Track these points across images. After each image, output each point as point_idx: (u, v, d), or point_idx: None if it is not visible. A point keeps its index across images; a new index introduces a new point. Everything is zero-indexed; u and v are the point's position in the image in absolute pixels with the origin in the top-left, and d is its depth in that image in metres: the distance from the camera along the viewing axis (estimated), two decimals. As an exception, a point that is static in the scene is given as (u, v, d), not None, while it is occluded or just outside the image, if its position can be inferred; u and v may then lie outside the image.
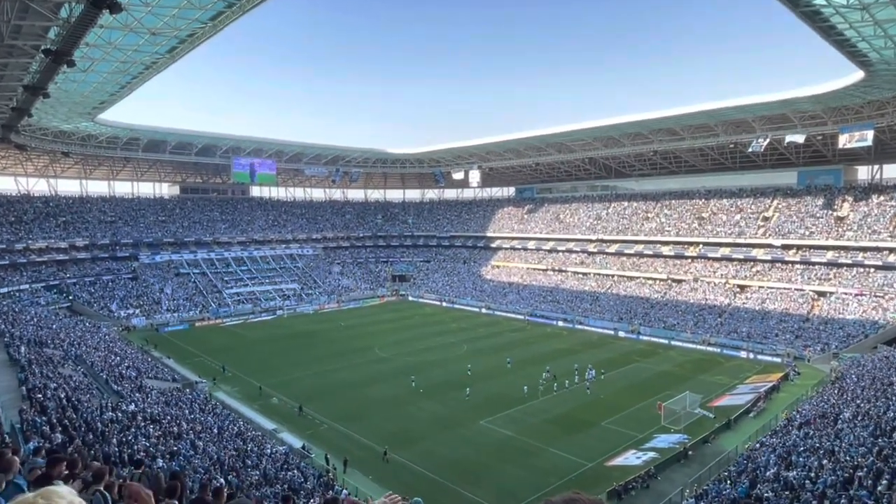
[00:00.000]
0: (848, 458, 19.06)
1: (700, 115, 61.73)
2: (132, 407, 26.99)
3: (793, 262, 60.52)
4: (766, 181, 71.90)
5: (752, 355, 49.71)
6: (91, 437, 19.89)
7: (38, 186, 78.52)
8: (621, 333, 59.66)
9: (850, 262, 56.51)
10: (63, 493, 1.55)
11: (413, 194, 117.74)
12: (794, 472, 19.56)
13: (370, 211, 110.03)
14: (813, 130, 57.71)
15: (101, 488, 6.04)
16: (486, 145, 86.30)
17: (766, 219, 66.06)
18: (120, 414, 24.98)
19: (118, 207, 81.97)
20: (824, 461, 19.69)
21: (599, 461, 28.35)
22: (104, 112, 55.96)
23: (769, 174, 71.37)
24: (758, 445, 26.88)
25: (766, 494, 18.02)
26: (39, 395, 24.06)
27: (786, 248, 61.50)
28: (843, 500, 14.94)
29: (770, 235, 63.32)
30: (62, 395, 25.31)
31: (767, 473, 20.69)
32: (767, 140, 59.83)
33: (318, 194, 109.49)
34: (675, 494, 23.90)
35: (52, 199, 77.70)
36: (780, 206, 66.60)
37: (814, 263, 59.02)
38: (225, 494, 7.08)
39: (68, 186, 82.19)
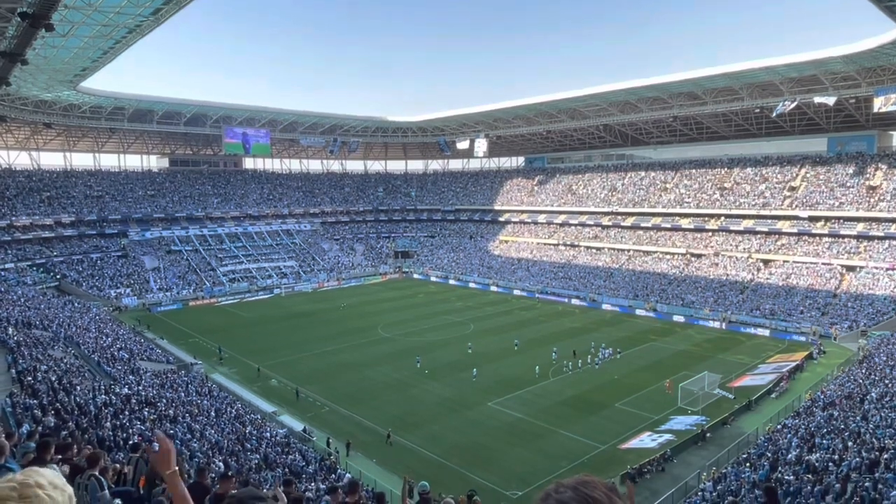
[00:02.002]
0: (874, 440, 19.22)
1: (724, 78, 60.67)
2: (126, 390, 27.45)
3: (820, 235, 60.13)
4: (793, 148, 71.02)
5: (775, 334, 49.82)
6: (84, 420, 20.29)
7: (20, 160, 78.79)
8: (637, 311, 59.85)
9: (881, 234, 56.09)
10: (44, 472, 1.56)
11: (416, 165, 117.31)
12: (817, 455, 19.76)
13: (370, 183, 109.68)
14: (845, 93, 56.69)
15: (97, 473, 6.18)
16: (493, 112, 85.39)
17: (792, 188, 65.45)
18: (113, 397, 25.43)
19: (104, 181, 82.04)
20: (849, 443, 19.88)
21: (613, 444, 28.73)
22: (87, 80, 55.63)
23: (797, 141, 70.44)
24: (779, 427, 27.14)
25: (787, 478, 18.24)
26: (30, 378, 24.50)
27: (813, 219, 61.05)
28: (867, 483, 15.10)
29: (797, 206, 62.80)
30: (53, 378, 25.76)
31: (789, 456, 20.91)
32: (795, 102, 58.80)
33: (315, 166, 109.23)
34: (692, 478, 24.23)
35: (35, 174, 77.83)
36: (807, 175, 65.90)
37: (843, 236, 58.62)
38: (234, 481, 7.23)
39: (51, 159, 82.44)
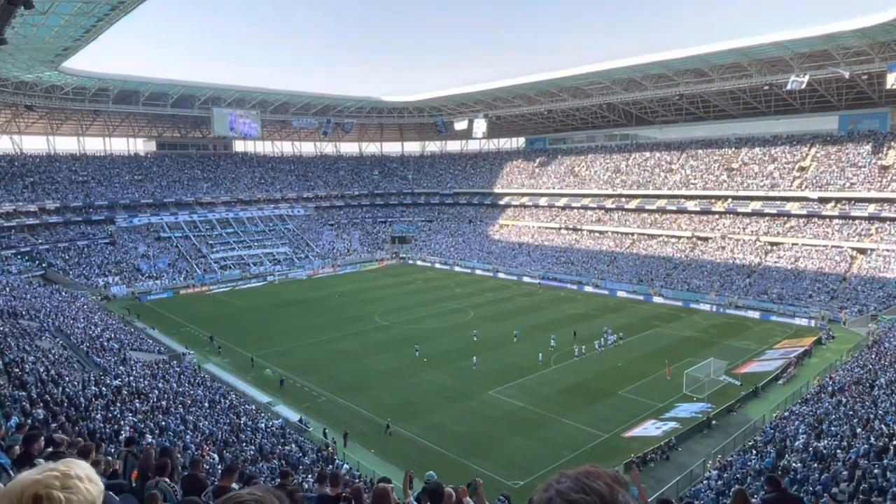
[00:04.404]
0: (883, 426, 19.38)
1: (731, 54, 60.25)
2: (116, 381, 27.56)
3: (830, 217, 60.16)
4: (803, 127, 70.74)
5: (782, 318, 50.02)
6: (74, 412, 20.38)
7: (1, 144, 78.16)
8: (641, 296, 60.01)
9: (894, 215, 56.12)
10: (83, 465, 1.64)
11: (412, 147, 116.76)
12: (825, 442, 19.94)
13: (366, 166, 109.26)
14: (858, 69, 56.35)
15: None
16: (493, 91, 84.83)
17: (802, 169, 65.32)
18: (104, 388, 25.53)
19: (90, 166, 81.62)
20: (858, 430, 20.04)
21: (616, 432, 28.95)
22: (69, 60, 55.03)
23: (807, 119, 70.16)
24: (787, 414, 27.36)
25: (794, 465, 18.43)
26: (17, 370, 24.54)
27: (823, 201, 61.01)
28: (876, 470, 15.27)
29: (806, 187, 62.74)
30: (41, 370, 25.83)
31: (796, 443, 21.11)
32: (807, 77, 58.18)
33: (308, 148, 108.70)
34: (697, 466, 24.50)
35: (18, 158, 77.35)
36: (818, 155, 65.74)
37: (854, 218, 58.64)
38: (236, 474, 7.28)
39: (34, 143, 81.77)
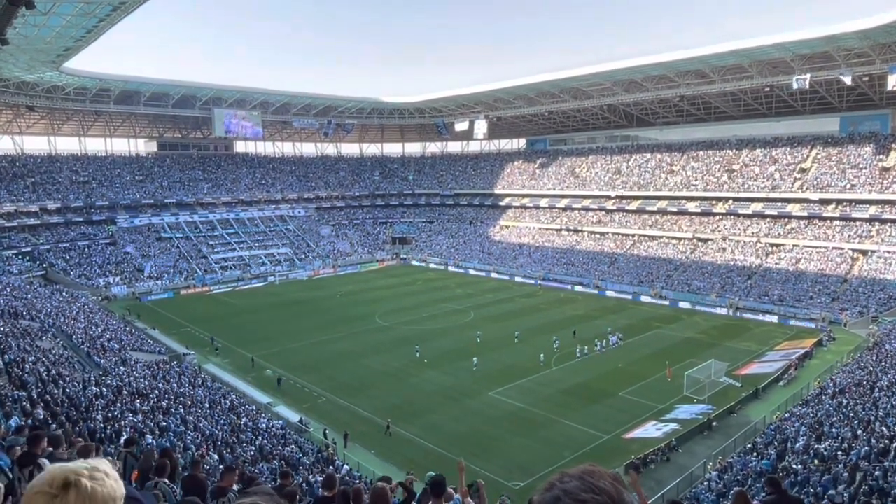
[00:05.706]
0: (884, 428, 19.36)
1: (732, 55, 60.24)
2: (116, 381, 27.56)
3: (831, 219, 60.13)
4: (804, 129, 70.66)
5: (783, 320, 50.00)
6: (74, 413, 20.39)
7: (2, 144, 78.27)
8: (642, 298, 59.99)
9: (895, 217, 56.08)
10: (109, 465, 1.73)
11: (413, 148, 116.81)
12: (826, 444, 19.92)
13: (366, 167, 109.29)
14: (859, 70, 56.34)
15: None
16: (494, 92, 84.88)
17: (803, 170, 65.30)
18: (104, 388, 25.54)
19: (91, 166, 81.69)
20: (858, 431, 20.03)
21: (617, 433, 28.94)
22: (70, 60, 55.12)
23: (808, 121, 70.11)
24: (787, 416, 27.34)
25: (794, 467, 18.41)
26: (17, 370, 24.55)
27: (824, 202, 60.98)
28: (876, 472, 15.24)
29: (807, 189, 62.71)
30: (42, 370, 25.84)
31: (797, 445, 21.09)
32: (808, 77, 58.02)
33: (308, 149, 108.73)
34: (698, 467, 24.46)
35: (19, 159, 77.42)
36: (819, 157, 65.72)
37: (855, 219, 58.60)
38: (236, 473, 7.26)
39: (35, 144, 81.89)
